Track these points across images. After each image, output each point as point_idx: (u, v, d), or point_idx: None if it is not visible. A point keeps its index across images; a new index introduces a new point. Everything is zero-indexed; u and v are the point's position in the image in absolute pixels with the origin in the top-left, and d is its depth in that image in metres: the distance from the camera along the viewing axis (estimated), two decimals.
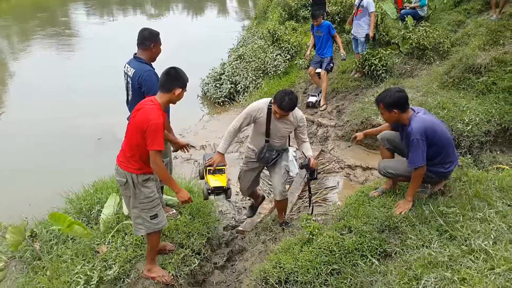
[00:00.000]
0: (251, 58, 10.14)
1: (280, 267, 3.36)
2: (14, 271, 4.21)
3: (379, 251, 3.20)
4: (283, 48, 10.41)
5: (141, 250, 3.82)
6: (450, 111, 6.28)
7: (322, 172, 6.31)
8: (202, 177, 4.44)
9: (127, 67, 3.89)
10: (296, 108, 3.98)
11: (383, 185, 4.04)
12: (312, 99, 8.15)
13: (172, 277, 3.65)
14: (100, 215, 4.42)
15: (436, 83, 7.32)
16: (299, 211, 5.42)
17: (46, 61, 12.39)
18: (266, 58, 9.96)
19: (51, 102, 9.30)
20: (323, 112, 7.94)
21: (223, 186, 4.15)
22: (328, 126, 7.51)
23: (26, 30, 16.41)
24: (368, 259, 3.16)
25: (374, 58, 8.13)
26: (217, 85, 9.71)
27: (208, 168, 4.20)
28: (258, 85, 9.53)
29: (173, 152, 4.26)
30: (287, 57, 10.26)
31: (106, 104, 8.65)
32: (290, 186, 5.81)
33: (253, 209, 5.08)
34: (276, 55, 10.10)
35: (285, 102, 3.78)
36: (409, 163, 3.41)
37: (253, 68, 9.86)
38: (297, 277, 3.22)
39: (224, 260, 4.33)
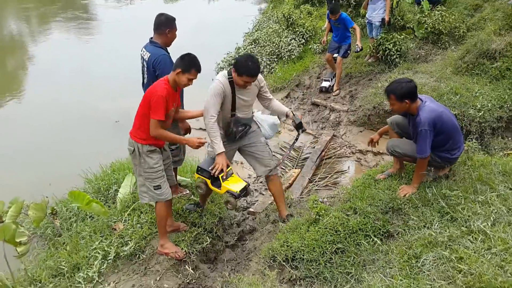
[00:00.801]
0: (266, 43, 10.17)
1: (287, 246, 3.51)
2: (36, 246, 4.47)
3: (382, 231, 3.33)
4: (298, 32, 10.40)
5: (155, 228, 4.02)
6: (462, 96, 6.27)
7: (333, 157, 6.40)
8: (206, 191, 3.98)
9: (143, 51, 4.05)
10: None
11: (390, 169, 4.13)
12: (326, 84, 8.19)
13: (185, 253, 3.84)
14: (117, 195, 4.63)
15: (450, 69, 7.28)
16: (309, 195, 5.55)
17: (65, 44, 12.60)
18: (280, 43, 9.98)
19: (70, 85, 9.49)
20: (336, 97, 7.98)
21: (246, 186, 3.81)
22: (340, 111, 7.56)
23: (46, 13, 16.63)
24: (371, 239, 3.29)
25: (388, 42, 8.08)
26: None
27: (220, 176, 3.71)
28: (272, 69, 9.58)
29: (184, 135, 4.40)
30: (302, 42, 10.26)
31: (123, 87, 8.81)
32: (301, 169, 5.93)
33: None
34: (290, 40, 10.11)
35: (252, 68, 3.59)
36: (418, 152, 3.53)
37: (267, 53, 9.90)
38: (303, 255, 3.37)
39: (235, 239, 4.50)
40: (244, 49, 10.25)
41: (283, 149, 6.65)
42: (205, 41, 11.79)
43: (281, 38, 10.13)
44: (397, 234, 3.25)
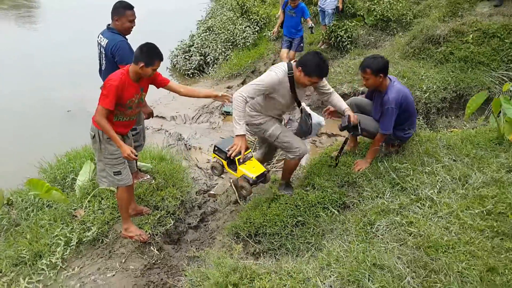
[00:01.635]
0: (220, 30, 10.19)
1: (250, 223, 3.64)
2: None
3: (339, 203, 3.54)
4: (252, 20, 10.49)
5: (117, 213, 4.01)
6: (409, 79, 6.64)
7: None
8: (221, 172, 3.85)
9: (100, 37, 4.00)
10: None
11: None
12: None
13: (149, 236, 3.88)
14: (75, 183, 4.56)
15: (398, 54, 7.66)
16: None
17: (8, 34, 12.01)
18: (235, 30, 10.03)
19: (19, 75, 9.12)
20: None
21: (264, 172, 3.59)
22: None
23: None
24: (329, 211, 3.48)
25: (340, 29, 8.38)
26: (187, 57, 9.76)
27: (237, 158, 3.51)
28: (228, 56, 9.63)
29: (145, 119, 4.39)
30: (256, 29, 10.37)
31: (74, 75, 8.60)
32: None
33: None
34: (245, 27, 10.19)
35: (324, 69, 3.44)
36: (382, 129, 3.70)
37: (222, 40, 9.93)
38: (265, 230, 3.52)
39: (197, 220, 4.57)
40: (199, 37, 10.23)
41: None
42: (158, 28, 11.61)
43: (235, 25, 10.19)
44: (352, 205, 3.46)
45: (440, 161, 3.54)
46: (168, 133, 6.75)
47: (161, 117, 7.26)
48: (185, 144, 6.39)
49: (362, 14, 9.37)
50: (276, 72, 3.54)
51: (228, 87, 8.44)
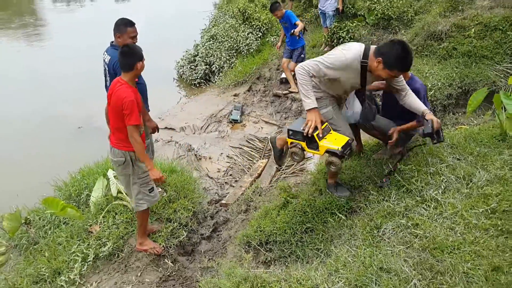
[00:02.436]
0: (224, 38, 10.31)
1: (260, 231, 3.73)
2: (11, 257, 4.48)
3: (346, 208, 3.60)
4: (254, 26, 10.59)
5: (131, 227, 4.13)
6: None
7: None
8: (303, 157, 3.50)
9: (105, 55, 4.13)
10: None
11: None
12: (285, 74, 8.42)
13: (163, 248, 3.98)
14: (90, 199, 4.69)
15: None
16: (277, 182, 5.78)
17: (17, 52, 12.29)
18: (238, 37, 10.14)
19: (28, 93, 9.34)
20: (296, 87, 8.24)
21: (348, 141, 3.24)
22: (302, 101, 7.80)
23: None
24: (337, 216, 3.55)
25: (341, 31, 8.42)
26: (192, 67, 9.89)
27: (315, 134, 3.19)
28: (232, 64, 9.74)
29: (151, 133, 4.48)
30: (259, 35, 10.47)
31: (82, 91, 8.78)
32: (268, 159, 6.15)
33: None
34: (247, 34, 10.29)
35: (410, 62, 3.07)
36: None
37: (226, 48, 10.04)
38: (276, 238, 3.60)
39: (210, 231, 4.66)
40: (203, 46, 10.35)
41: (249, 141, 6.83)
42: (161, 38, 11.80)
43: (238, 32, 10.30)
44: (359, 209, 3.52)
45: (444, 161, 3.58)
46: (178, 144, 6.86)
47: (171, 128, 7.38)
48: (195, 155, 6.50)
49: (363, 14, 9.39)
50: (346, 56, 3.13)
51: (235, 95, 8.55)
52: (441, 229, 2.84)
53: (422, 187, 3.34)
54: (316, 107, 3.13)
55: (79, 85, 9.25)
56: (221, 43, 10.25)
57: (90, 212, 4.47)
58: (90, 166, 5.59)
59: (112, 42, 4.14)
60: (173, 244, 4.12)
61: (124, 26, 4.01)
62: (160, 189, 4.76)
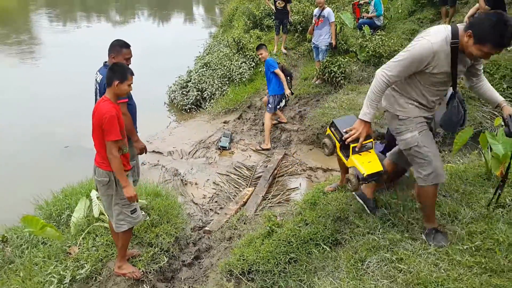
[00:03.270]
0: (217, 66, 10.43)
1: (243, 259, 3.66)
2: None
3: (331, 240, 3.56)
4: (248, 56, 10.75)
5: (111, 250, 4.03)
6: None
7: (285, 175, 6.65)
8: (332, 152, 3.37)
9: (97, 74, 4.14)
10: None
11: (337, 181, 4.40)
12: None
13: (142, 273, 3.88)
14: (71, 219, 4.58)
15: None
16: (263, 211, 5.73)
17: (12, 69, 12.29)
18: (231, 66, 10.27)
19: (17, 110, 9.27)
20: (286, 118, 8.30)
21: (380, 171, 3.05)
22: (291, 131, 7.87)
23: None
24: (321, 247, 3.50)
25: (333, 65, 8.59)
26: (184, 92, 9.94)
27: (352, 145, 3.03)
28: (224, 92, 9.82)
29: (138, 155, 4.43)
30: (252, 65, 10.61)
31: (73, 110, 8.74)
32: (255, 188, 6.11)
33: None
34: (241, 63, 10.43)
35: (507, 36, 2.45)
36: None
37: (219, 76, 10.14)
38: (258, 267, 3.53)
39: (191, 258, 4.56)
40: (196, 72, 10.45)
41: (237, 169, 6.81)
42: (156, 64, 11.89)
43: (232, 61, 10.44)
44: (344, 241, 3.49)
45: None
46: (164, 168, 6.80)
47: (158, 152, 7.34)
48: (181, 179, 6.44)
49: (354, 50, 9.63)
50: (429, 39, 2.63)
51: (225, 122, 8.58)
52: (425, 265, 2.82)
53: (408, 222, 3.33)
54: (369, 122, 2.87)
55: (68, 104, 9.21)
56: (214, 70, 10.35)
57: (70, 232, 4.37)
58: (74, 186, 5.50)
59: (106, 62, 4.15)
60: (153, 270, 4.01)
61: (120, 47, 4.04)
62: (143, 213, 4.68)
